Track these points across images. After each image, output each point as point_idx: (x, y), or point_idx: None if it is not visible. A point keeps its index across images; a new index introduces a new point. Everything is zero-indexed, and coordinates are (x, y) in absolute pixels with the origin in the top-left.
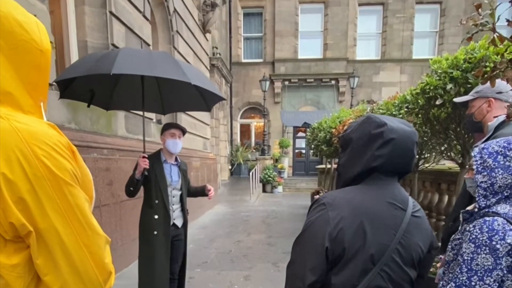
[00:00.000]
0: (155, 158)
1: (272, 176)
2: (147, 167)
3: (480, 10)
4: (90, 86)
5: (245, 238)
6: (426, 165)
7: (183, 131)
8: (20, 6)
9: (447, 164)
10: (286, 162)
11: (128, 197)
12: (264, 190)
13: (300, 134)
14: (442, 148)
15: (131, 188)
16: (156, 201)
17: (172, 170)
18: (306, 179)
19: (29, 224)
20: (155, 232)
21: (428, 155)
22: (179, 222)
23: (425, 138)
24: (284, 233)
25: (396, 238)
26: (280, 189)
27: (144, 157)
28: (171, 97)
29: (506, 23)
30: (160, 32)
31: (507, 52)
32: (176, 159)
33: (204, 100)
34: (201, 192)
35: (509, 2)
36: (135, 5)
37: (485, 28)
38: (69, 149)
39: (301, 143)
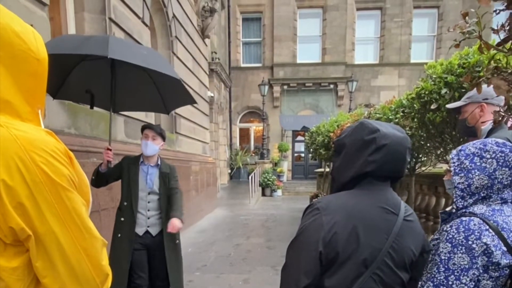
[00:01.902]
0: (133, 160)
1: (271, 179)
2: (110, 159)
3: (467, 18)
4: (86, 86)
5: (244, 241)
6: (423, 168)
7: (161, 134)
8: (16, 17)
9: (444, 167)
10: (285, 166)
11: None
12: (263, 194)
13: (299, 138)
14: (438, 152)
15: (93, 177)
16: (125, 203)
17: (150, 173)
18: (305, 182)
19: (28, 228)
20: (119, 235)
21: (425, 158)
22: (154, 230)
23: (421, 142)
24: (283, 237)
25: (388, 242)
26: (279, 192)
27: (108, 149)
28: (168, 93)
29: (492, 31)
30: (159, 37)
31: (494, 59)
32: (157, 161)
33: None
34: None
35: (493, 12)
36: (134, 11)
37: (471, 36)
38: (66, 155)
39: (300, 147)
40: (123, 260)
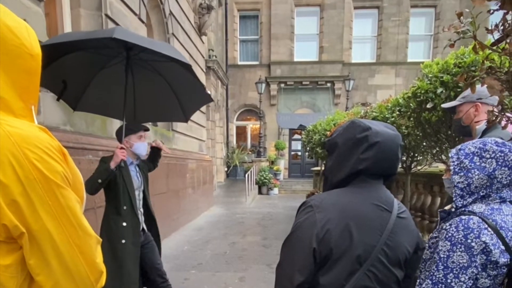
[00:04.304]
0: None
1: (268, 178)
2: (125, 158)
3: (461, 18)
4: (65, 76)
5: (240, 239)
6: (419, 167)
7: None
8: (9, 11)
9: (439, 167)
10: (282, 164)
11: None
12: (260, 192)
13: (296, 136)
14: (434, 151)
15: (99, 181)
16: (125, 207)
17: (137, 171)
18: (301, 181)
19: (22, 226)
20: (123, 241)
21: (421, 157)
22: (144, 226)
23: (417, 141)
24: (279, 235)
25: (382, 239)
26: (276, 191)
27: (122, 148)
28: (185, 95)
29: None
30: (156, 35)
31: (487, 59)
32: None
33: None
34: (154, 155)
35: (487, 11)
36: (131, 7)
37: (466, 36)
38: (60, 152)
39: (297, 145)
40: (132, 266)
